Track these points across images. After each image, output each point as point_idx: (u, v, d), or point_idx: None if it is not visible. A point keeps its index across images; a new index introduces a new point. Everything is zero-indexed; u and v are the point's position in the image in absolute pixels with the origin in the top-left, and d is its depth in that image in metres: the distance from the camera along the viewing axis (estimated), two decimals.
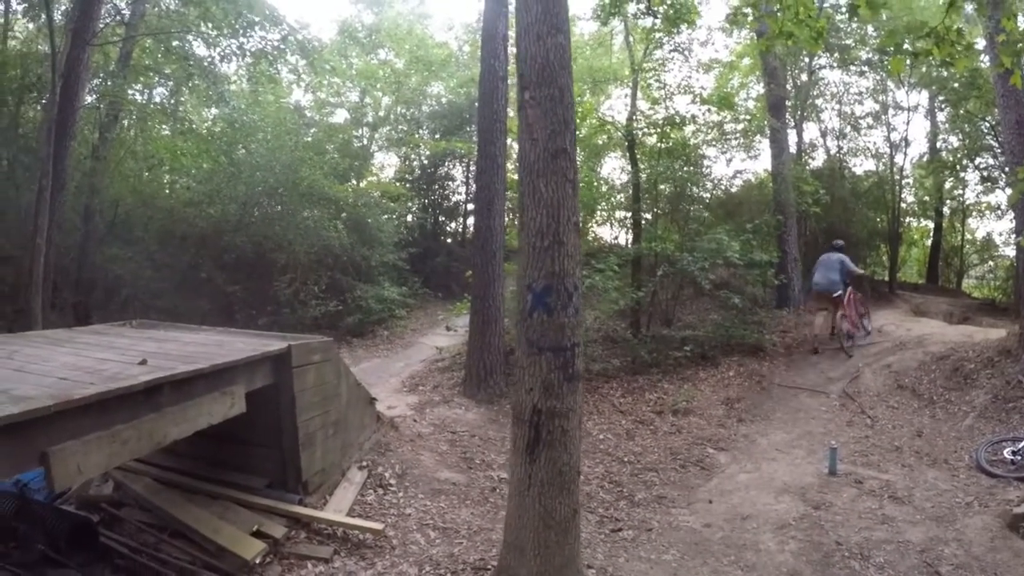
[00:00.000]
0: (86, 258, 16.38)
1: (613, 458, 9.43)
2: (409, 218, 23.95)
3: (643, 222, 15.70)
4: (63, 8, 16.06)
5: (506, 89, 12.56)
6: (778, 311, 16.02)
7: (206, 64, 18.27)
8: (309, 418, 6.61)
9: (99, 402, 4.01)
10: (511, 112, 12.37)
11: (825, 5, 16.05)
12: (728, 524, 7.07)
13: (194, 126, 20.53)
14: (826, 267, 13.34)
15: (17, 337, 6.90)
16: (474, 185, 25.06)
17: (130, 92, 18.17)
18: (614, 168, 21.55)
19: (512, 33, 14.91)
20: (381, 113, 26.84)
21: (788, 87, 18.91)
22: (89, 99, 17.16)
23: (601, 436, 10.23)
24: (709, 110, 15.30)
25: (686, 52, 16.09)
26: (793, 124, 19.50)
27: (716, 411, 11.23)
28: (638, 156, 15.40)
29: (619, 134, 15.81)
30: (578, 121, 14.69)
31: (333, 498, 6.89)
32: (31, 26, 17.54)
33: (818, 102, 20.82)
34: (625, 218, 18.62)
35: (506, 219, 13.26)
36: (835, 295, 13.06)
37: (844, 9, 17.14)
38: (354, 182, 22.26)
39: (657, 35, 15.13)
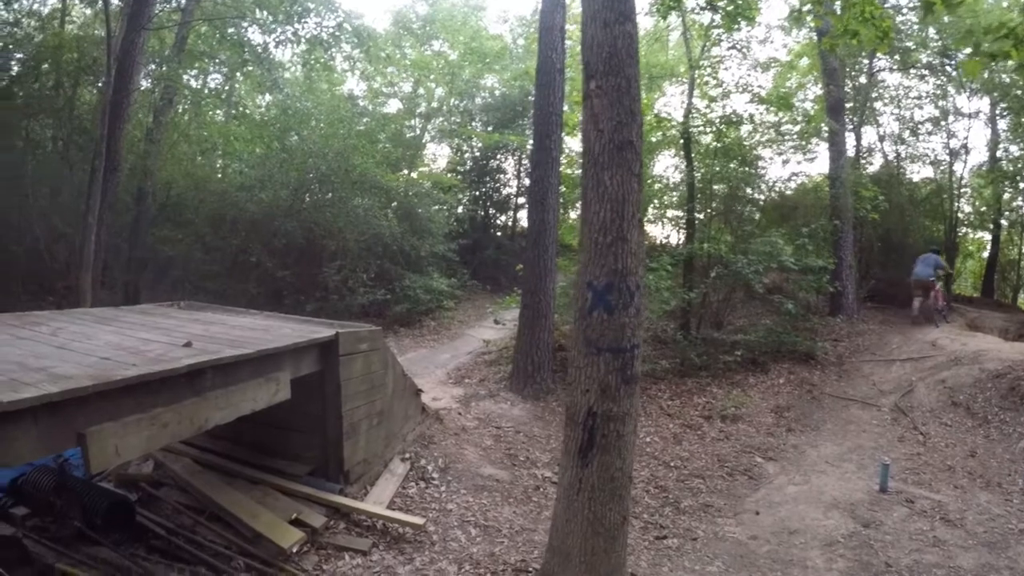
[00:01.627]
0: (137, 238, 16.64)
1: (659, 462, 9.23)
2: (460, 210, 23.86)
3: (696, 222, 15.38)
4: None
5: (563, 82, 12.35)
6: (831, 319, 15.54)
7: (260, 51, 18.39)
8: (354, 407, 6.53)
9: (140, 384, 3.94)
10: (567, 107, 12.18)
11: (886, 5, 15.56)
12: (775, 538, 6.87)
13: (247, 112, 20.69)
14: (924, 263, 14.80)
15: (63, 314, 6.96)
16: (525, 179, 25.39)
17: (185, 77, 18.37)
18: (667, 166, 21.33)
19: (570, 27, 14.89)
20: (434, 104, 26.77)
21: (847, 89, 18.37)
22: (145, 84, 17.49)
23: (648, 439, 10.01)
24: (767, 109, 14.96)
25: (744, 50, 15.72)
26: (851, 127, 18.95)
27: (765, 419, 10.91)
28: (693, 155, 15.15)
29: (674, 131, 15.48)
30: None
31: (374, 489, 6.82)
32: (88, 11, 17.77)
33: (876, 105, 20.16)
34: (677, 217, 18.21)
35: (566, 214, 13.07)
36: (930, 280, 14.57)
37: (906, 10, 17.04)
38: (406, 172, 22.17)
39: (716, 31, 14.77)
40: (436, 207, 20.88)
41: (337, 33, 17.81)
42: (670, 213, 18.79)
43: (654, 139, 16.36)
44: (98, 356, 4.45)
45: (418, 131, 26.34)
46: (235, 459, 6.86)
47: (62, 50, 15.21)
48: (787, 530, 7.02)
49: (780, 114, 15.46)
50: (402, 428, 7.97)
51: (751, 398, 11.58)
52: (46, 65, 15.44)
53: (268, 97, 21.29)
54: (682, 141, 15.37)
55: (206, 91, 19.91)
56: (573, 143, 18.07)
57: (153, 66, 17.45)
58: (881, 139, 20.92)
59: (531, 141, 18.12)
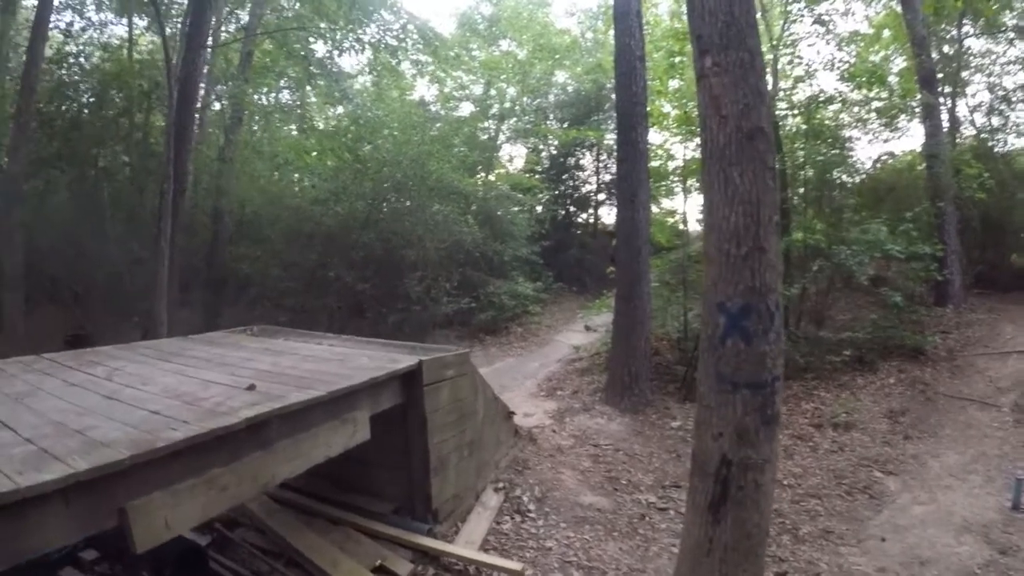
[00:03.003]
0: (215, 257, 16.76)
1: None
2: (539, 209, 23.26)
3: (790, 211, 14.41)
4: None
5: (643, 69, 11.55)
6: (938, 309, 14.31)
7: (326, 62, 18.28)
8: (442, 440, 5.96)
9: (190, 447, 3.44)
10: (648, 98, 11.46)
11: None
12: (905, 570, 6.15)
13: (319, 125, 20.56)
14: None
15: (127, 349, 6.54)
16: (605, 175, 25.12)
17: (256, 96, 18.21)
18: None
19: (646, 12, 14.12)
20: (507, 104, 26.46)
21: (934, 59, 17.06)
22: (217, 104, 17.50)
23: None
24: (858, 86, 13.91)
25: (829, 24, 14.65)
26: (943, 99, 17.60)
27: (879, 425, 9.94)
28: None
29: None
30: None
31: (465, 526, 6.24)
32: (156, 39, 17.79)
33: (963, 75, 18.71)
34: None
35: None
36: None
37: None
38: (483, 175, 21.70)
39: (796, 6, 13.89)
40: (516, 209, 20.45)
41: (402, 36, 17.42)
42: None
43: None
44: (148, 410, 3.94)
45: (492, 132, 26.04)
46: (315, 496, 6.39)
47: (124, 76, 15.25)
48: (918, 560, 6.28)
49: (871, 90, 14.39)
50: (494, 455, 7.41)
51: (862, 402, 10.62)
52: (113, 92, 15.49)
53: (340, 109, 21.09)
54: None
55: (272, 106, 19.71)
56: (654, 137, 17.32)
57: (221, 86, 17.41)
58: (972, 110, 19.50)
59: (611, 136, 17.45)
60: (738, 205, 3.73)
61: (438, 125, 20.48)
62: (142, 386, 4.65)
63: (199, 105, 19.22)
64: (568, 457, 8.59)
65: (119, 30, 17.42)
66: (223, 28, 18.59)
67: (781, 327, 3.84)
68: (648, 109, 11.96)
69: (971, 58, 18.37)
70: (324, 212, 16.78)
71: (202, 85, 18.20)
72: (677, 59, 13.07)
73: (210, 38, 16.79)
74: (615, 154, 13.07)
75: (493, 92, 26.37)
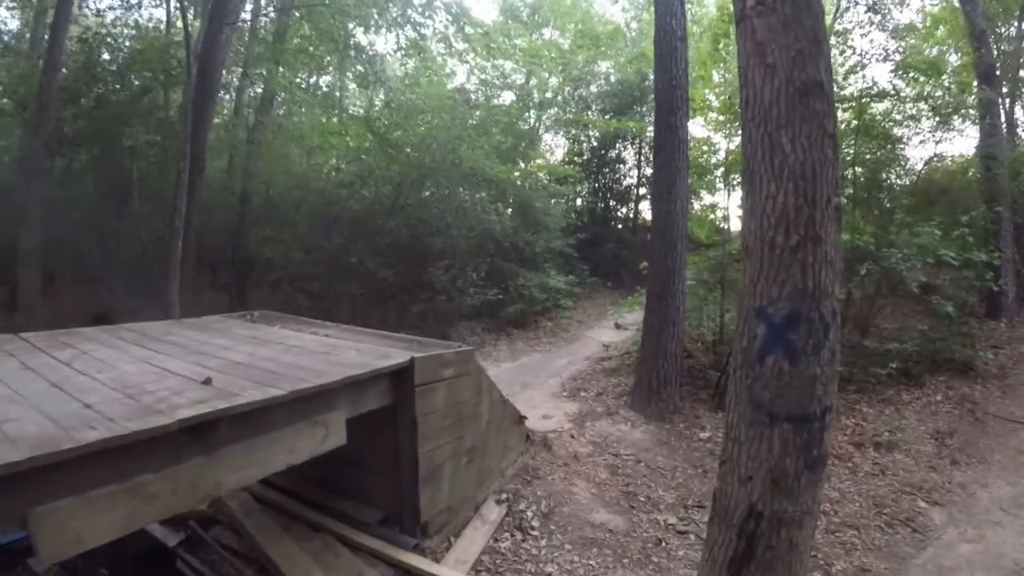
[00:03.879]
0: (241, 240, 16.40)
1: None
2: (578, 202, 23.19)
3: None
4: None
5: (685, 51, 10.69)
6: (990, 322, 13.35)
7: (362, 45, 17.96)
8: (435, 447, 5.32)
9: (110, 449, 2.92)
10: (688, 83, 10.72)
11: None
12: None
13: (355, 110, 20.22)
14: None
15: (107, 331, 6.11)
16: (647, 168, 24.63)
17: (287, 77, 17.80)
18: None
19: None
20: (548, 94, 25.92)
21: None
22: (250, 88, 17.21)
23: None
24: (912, 79, 13.01)
25: (883, 11, 13.77)
26: (1001, 98, 16.60)
27: (925, 447, 9.12)
28: None
29: None
30: None
31: (459, 543, 5.64)
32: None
33: (1021, 73, 17.63)
34: None
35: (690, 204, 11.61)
36: None
37: None
38: (521, 164, 21.15)
39: None
40: (553, 201, 20.06)
41: (428, 12, 16.98)
42: None
43: None
44: (83, 402, 3.44)
45: (533, 122, 25.50)
46: (299, 497, 5.87)
47: (147, 53, 14.96)
48: None
49: (928, 82, 13.43)
50: (500, 463, 6.73)
51: (907, 420, 9.78)
52: (137, 69, 15.23)
53: (379, 96, 20.65)
54: None
55: (306, 89, 19.21)
56: (696, 131, 16.62)
57: (254, 69, 17.05)
58: None
59: (651, 127, 16.69)
60: (787, 181, 2.99)
61: (477, 113, 20.01)
62: (96, 374, 4.19)
63: (236, 85, 19.13)
64: (584, 467, 7.88)
65: (159, 13, 17.23)
66: (253, 7, 18.14)
67: (838, 343, 3.09)
68: (690, 94, 11.23)
69: None
70: (350, 195, 16.39)
71: (237, 67, 18.07)
72: (722, 44, 12.29)
73: (244, 17, 16.55)
74: (652, 147, 12.27)
75: (534, 81, 25.80)
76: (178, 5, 14.13)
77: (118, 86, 15.09)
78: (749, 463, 3.10)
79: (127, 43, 15.78)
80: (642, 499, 7.25)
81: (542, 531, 6.16)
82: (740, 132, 3.38)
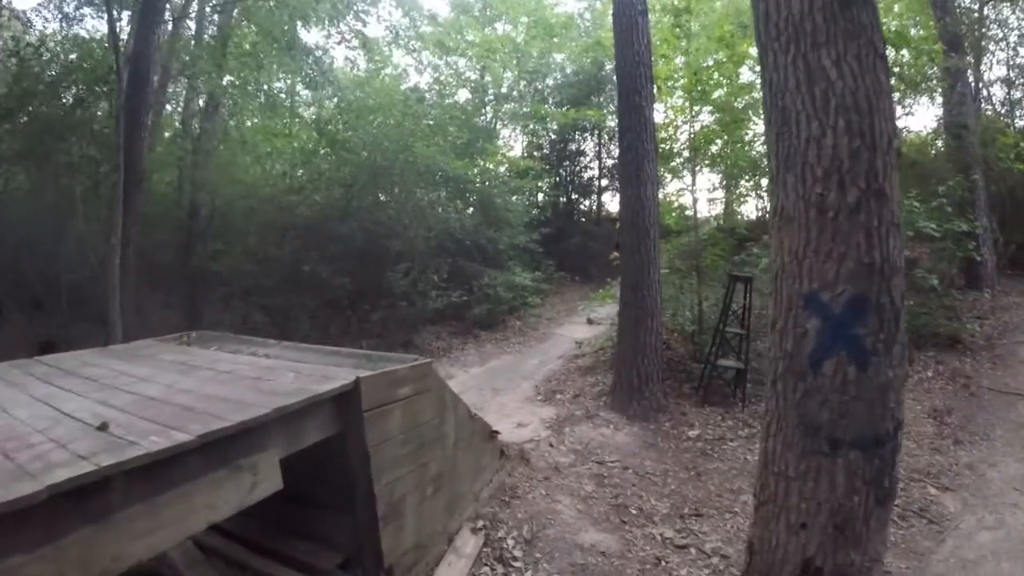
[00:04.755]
0: (190, 255, 15.65)
1: None
2: (540, 197, 23.06)
3: None
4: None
5: (647, 25, 10.06)
6: (972, 292, 13.22)
7: (298, 39, 17.36)
8: (394, 480, 4.55)
9: None
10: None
11: None
12: None
13: (303, 112, 19.74)
14: None
15: (16, 366, 5.26)
16: (608, 160, 24.75)
17: (232, 81, 17.04)
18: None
19: None
20: (503, 89, 25.77)
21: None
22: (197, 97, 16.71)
23: None
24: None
25: None
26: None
27: (925, 428, 8.70)
28: None
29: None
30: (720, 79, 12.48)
31: None
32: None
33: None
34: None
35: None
36: None
37: None
38: (481, 162, 20.60)
39: None
40: (515, 197, 19.66)
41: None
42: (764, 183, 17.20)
43: (739, 104, 14.12)
44: None
45: (489, 117, 25.13)
46: (248, 542, 5.09)
47: (79, 61, 14.12)
48: None
49: (896, 54, 13.12)
50: (473, 485, 6.00)
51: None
52: (69, 78, 14.26)
53: (334, 99, 20.00)
54: None
55: (253, 93, 18.41)
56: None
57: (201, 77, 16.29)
58: (989, 84, 18.31)
59: (611, 117, 16.14)
60: (836, 117, 2.27)
61: (432, 112, 19.33)
62: None
63: (184, 95, 18.36)
64: (567, 479, 7.18)
65: (101, 24, 16.35)
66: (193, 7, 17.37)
67: (905, 336, 2.41)
68: (656, 73, 10.66)
69: (991, 26, 17.51)
70: (301, 201, 15.61)
71: (183, 77, 17.28)
72: (684, 18, 11.67)
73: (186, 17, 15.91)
74: (617, 129, 11.64)
75: (488, 78, 25.50)
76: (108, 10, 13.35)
77: (52, 100, 14.10)
78: (802, 505, 2.39)
79: (61, 55, 14.90)
80: (634, 512, 6.56)
81: (526, 561, 5.45)
82: (759, 56, 2.64)
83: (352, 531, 4.67)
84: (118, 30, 11.84)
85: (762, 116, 11.66)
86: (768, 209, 2.79)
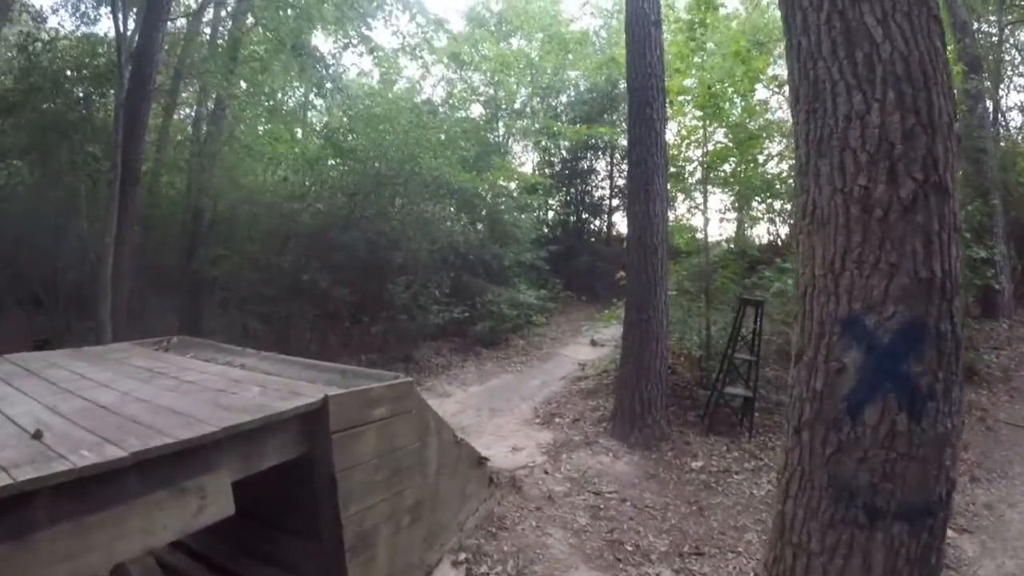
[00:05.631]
0: (192, 259, 15.29)
1: None
2: (550, 215, 22.99)
3: None
4: None
5: (660, 36, 9.74)
6: (988, 322, 12.74)
7: (306, 42, 17.25)
8: (364, 509, 4.16)
9: None
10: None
11: None
12: None
13: (315, 121, 19.60)
14: None
15: None
16: (619, 179, 24.57)
17: (240, 85, 17.02)
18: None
19: None
20: (516, 105, 25.54)
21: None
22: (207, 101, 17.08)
23: None
24: None
25: None
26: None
27: None
28: None
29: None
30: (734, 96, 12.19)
31: None
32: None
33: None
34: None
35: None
36: None
37: None
38: (490, 176, 20.40)
39: None
40: (523, 215, 19.41)
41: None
42: (776, 206, 17.61)
43: (753, 126, 13.75)
44: None
45: (502, 132, 24.99)
46: (212, 564, 4.76)
47: (83, 58, 13.95)
48: None
49: None
50: (457, 515, 5.60)
51: None
52: (72, 75, 14.05)
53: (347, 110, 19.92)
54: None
55: (258, 96, 18.21)
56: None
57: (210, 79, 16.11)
58: (1006, 111, 18.09)
59: (623, 137, 15.82)
60: (884, 88, 1.85)
61: (443, 125, 19.08)
62: None
63: (196, 97, 18.20)
64: (560, 510, 6.76)
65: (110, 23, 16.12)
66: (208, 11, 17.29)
67: (962, 374, 2.00)
68: (668, 87, 10.34)
69: (1009, 50, 17.61)
70: (303, 209, 15.27)
71: (195, 80, 17.18)
72: (699, 31, 11.33)
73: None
74: (627, 143, 11.28)
75: (502, 93, 25.20)
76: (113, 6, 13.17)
77: (58, 96, 13.88)
78: None
79: (70, 52, 14.61)
80: (630, 548, 6.11)
81: None
82: (783, 17, 2.20)
83: (322, 561, 4.29)
84: (122, 29, 11.56)
85: (777, 133, 10.90)
86: (795, 215, 2.37)
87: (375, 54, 18.86)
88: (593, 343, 14.80)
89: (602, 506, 7.00)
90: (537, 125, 24.43)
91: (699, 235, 12.59)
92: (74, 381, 4.35)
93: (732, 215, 17.06)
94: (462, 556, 5.35)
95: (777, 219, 18.30)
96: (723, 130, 12.28)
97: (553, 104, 25.60)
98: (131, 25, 12.29)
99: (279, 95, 20.30)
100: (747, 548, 6.18)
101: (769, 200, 16.56)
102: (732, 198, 15.23)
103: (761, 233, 20.13)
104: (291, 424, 3.72)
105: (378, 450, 4.28)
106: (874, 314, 1.90)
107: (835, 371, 2.03)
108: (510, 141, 25.60)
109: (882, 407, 1.89)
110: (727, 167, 12.82)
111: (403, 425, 4.59)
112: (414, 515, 4.73)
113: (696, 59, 11.93)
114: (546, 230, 20.87)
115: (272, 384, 4.36)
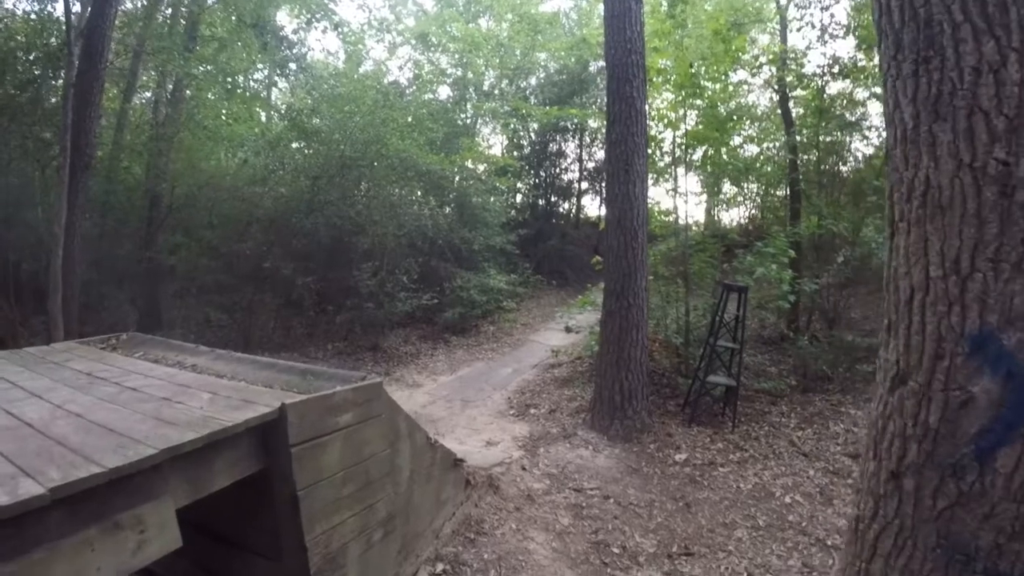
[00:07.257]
0: (149, 248, 14.61)
1: (811, 540, 6.07)
2: (519, 198, 22.97)
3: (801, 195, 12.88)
4: None
5: (640, 11, 9.27)
6: None
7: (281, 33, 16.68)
8: (331, 527, 3.73)
9: None
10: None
11: None
12: None
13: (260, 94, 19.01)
14: None
15: None
16: (588, 162, 24.53)
17: (199, 66, 16.30)
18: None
19: None
20: (485, 87, 25.49)
21: None
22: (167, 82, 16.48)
23: (788, 499, 6.95)
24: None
25: None
26: None
27: None
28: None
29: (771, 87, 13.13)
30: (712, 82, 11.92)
31: None
32: None
33: None
34: (772, 194, 16.27)
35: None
36: None
37: None
38: (458, 159, 19.95)
39: None
40: (492, 199, 19.12)
41: None
42: (751, 188, 17.81)
43: (723, 110, 13.40)
44: None
45: (470, 114, 24.60)
46: None
47: (31, 38, 13.19)
48: None
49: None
50: (433, 521, 5.19)
51: None
52: (20, 56, 13.27)
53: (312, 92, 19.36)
54: (779, 98, 13.26)
55: (216, 76, 17.52)
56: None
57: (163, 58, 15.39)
58: None
59: (592, 119, 15.53)
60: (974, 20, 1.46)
61: (410, 106, 18.59)
62: None
63: (156, 81, 17.50)
64: (540, 510, 6.37)
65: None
66: None
67: None
68: (649, 63, 9.98)
69: None
70: (264, 194, 14.70)
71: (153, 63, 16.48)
72: (679, 8, 10.95)
73: None
74: (605, 121, 10.80)
75: (471, 74, 25.09)
76: None
77: (7, 76, 13.05)
78: None
79: (22, 31, 13.86)
80: (616, 550, 5.75)
81: None
82: None
83: None
84: (72, 5, 10.94)
85: (755, 118, 10.58)
86: (891, 194, 1.94)
87: (340, 29, 18.40)
88: (568, 329, 14.53)
89: (584, 504, 6.63)
90: (506, 107, 24.08)
91: (671, 218, 12.32)
92: (3, 392, 3.85)
93: (705, 198, 16.88)
94: (440, 567, 4.96)
95: (749, 203, 18.13)
96: (699, 111, 11.95)
97: (523, 86, 25.48)
98: (84, 2, 11.64)
99: (240, 76, 19.62)
100: (737, 547, 5.85)
101: (745, 184, 16.28)
102: (705, 181, 14.98)
103: (733, 217, 19.98)
104: (244, 439, 3.26)
105: (345, 462, 3.84)
106: (1016, 330, 1.49)
107: (958, 403, 1.60)
108: (479, 123, 25.40)
109: (1021, 451, 1.46)
110: (702, 149, 12.51)
111: (372, 432, 4.15)
112: (387, 528, 4.30)
113: (675, 36, 11.61)
114: (515, 213, 20.61)
115: (223, 390, 3.88)
